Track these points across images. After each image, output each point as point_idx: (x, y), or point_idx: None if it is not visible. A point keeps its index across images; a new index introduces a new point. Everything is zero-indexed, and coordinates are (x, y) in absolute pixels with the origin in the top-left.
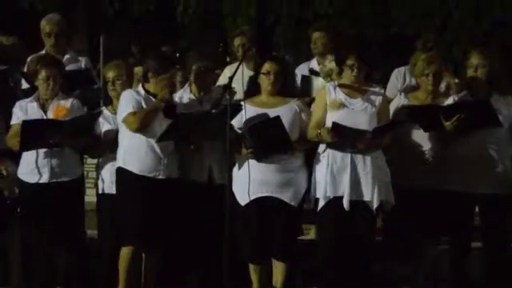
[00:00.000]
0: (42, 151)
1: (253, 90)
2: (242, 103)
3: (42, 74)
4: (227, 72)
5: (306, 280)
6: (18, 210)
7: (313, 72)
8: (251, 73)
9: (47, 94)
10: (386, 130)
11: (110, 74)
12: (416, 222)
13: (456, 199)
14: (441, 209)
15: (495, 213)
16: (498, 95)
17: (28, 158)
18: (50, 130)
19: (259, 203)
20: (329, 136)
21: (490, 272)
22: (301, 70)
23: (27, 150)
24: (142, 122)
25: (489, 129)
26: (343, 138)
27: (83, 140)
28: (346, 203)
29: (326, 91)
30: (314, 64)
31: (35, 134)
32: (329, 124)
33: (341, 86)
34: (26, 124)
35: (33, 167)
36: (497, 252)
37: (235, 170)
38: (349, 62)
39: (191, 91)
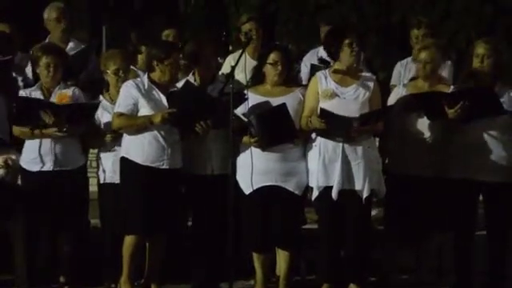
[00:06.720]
0: (45, 140)
1: (257, 79)
2: (246, 92)
3: (43, 60)
4: (230, 61)
5: (310, 268)
6: None
7: (323, 61)
8: (254, 62)
9: (47, 81)
10: (372, 116)
11: (113, 66)
12: (419, 211)
13: (460, 188)
14: (444, 197)
15: (499, 201)
16: (502, 83)
17: (31, 147)
18: (43, 110)
19: (263, 192)
20: (318, 123)
21: (493, 261)
22: (309, 58)
23: (19, 124)
24: (123, 127)
25: (493, 116)
26: (331, 124)
27: (79, 128)
28: (334, 193)
29: (318, 80)
30: (322, 52)
31: (29, 111)
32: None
33: (334, 71)
34: (21, 100)
35: (35, 155)
36: (501, 241)
37: (238, 159)
38: (347, 41)
39: (195, 80)
